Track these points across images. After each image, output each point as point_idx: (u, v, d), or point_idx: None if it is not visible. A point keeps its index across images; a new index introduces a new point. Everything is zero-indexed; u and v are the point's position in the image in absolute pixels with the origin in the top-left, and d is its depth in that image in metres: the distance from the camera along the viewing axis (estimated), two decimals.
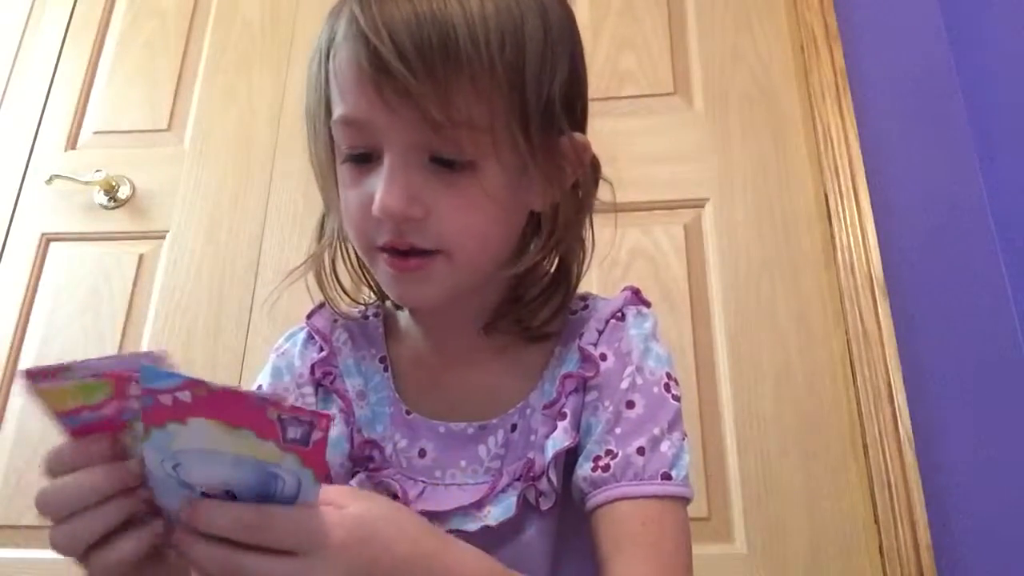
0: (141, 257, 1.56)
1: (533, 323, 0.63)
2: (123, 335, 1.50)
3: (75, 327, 1.51)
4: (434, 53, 0.51)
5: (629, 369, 0.61)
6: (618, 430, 0.59)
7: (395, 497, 0.60)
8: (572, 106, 0.60)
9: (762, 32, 1.54)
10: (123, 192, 1.61)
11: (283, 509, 0.40)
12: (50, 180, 1.59)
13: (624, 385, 0.60)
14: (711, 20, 1.57)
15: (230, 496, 0.40)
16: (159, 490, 0.42)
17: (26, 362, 1.50)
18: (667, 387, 0.61)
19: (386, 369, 0.67)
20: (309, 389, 0.65)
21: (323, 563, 0.41)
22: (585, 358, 0.61)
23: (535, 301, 0.64)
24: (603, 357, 0.62)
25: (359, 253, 0.62)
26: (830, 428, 1.25)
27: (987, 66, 0.91)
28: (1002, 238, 0.84)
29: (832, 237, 1.35)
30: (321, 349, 0.66)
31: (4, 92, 1.73)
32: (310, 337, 0.68)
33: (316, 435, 0.38)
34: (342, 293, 0.68)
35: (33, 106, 1.70)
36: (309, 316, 0.69)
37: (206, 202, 1.59)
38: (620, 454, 0.58)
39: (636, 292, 0.67)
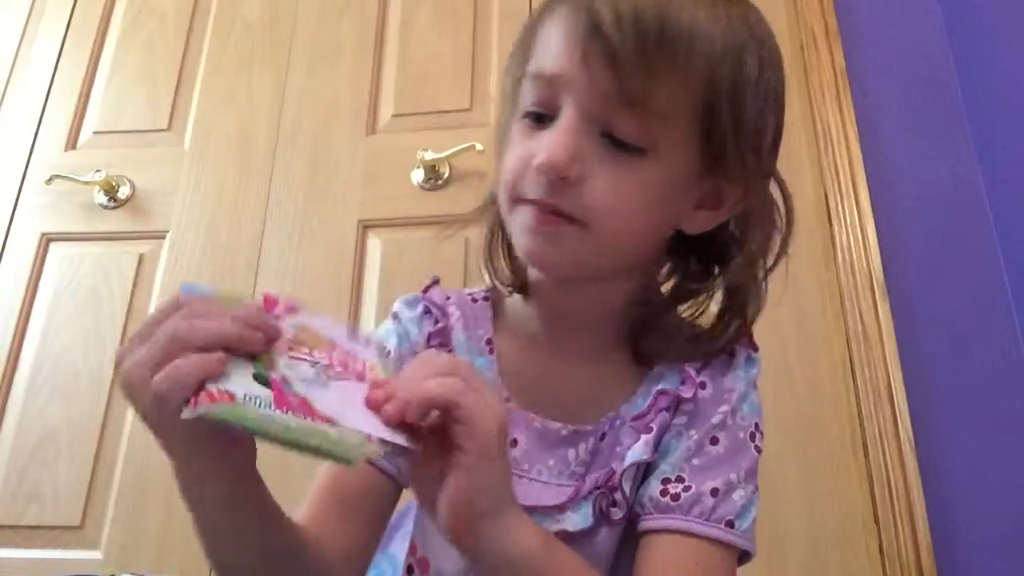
0: (141, 257, 1.56)
1: (691, 355, 0.63)
2: (123, 335, 1.49)
3: (75, 327, 1.51)
4: (651, 33, 0.52)
5: (725, 408, 0.61)
6: (695, 461, 0.59)
7: None
8: (775, 150, 0.62)
9: None
10: (123, 192, 1.61)
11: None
12: (50, 180, 1.59)
13: (715, 420, 0.60)
14: None
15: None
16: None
17: (26, 362, 1.50)
18: (752, 436, 0.62)
19: (491, 352, 0.66)
20: None
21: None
22: (685, 380, 0.62)
23: (689, 335, 0.64)
24: (702, 385, 0.62)
25: (502, 208, 0.61)
26: (830, 428, 1.25)
27: (987, 66, 0.91)
28: (1002, 238, 0.84)
29: (832, 237, 1.34)
30: (436, 322, 0.67)
31: (4, 92, 1.73)
32: (426, 311, 0.68)
33: None
34: (500, 259, 0.68)
35: (33, 106, 1.70)
36: (425, 291, 0.69)
37: (206, 202, 1.59)
38: (693, 488, 0.58)
39: (750, 336, 0.67)
